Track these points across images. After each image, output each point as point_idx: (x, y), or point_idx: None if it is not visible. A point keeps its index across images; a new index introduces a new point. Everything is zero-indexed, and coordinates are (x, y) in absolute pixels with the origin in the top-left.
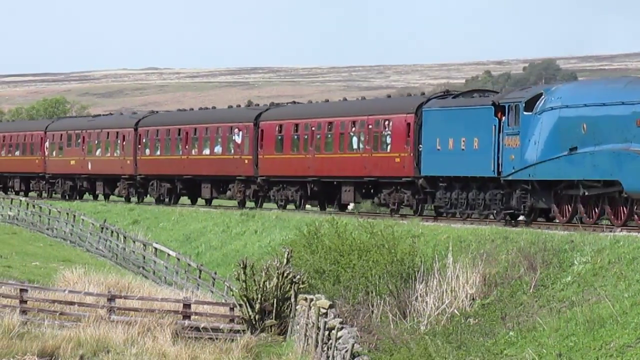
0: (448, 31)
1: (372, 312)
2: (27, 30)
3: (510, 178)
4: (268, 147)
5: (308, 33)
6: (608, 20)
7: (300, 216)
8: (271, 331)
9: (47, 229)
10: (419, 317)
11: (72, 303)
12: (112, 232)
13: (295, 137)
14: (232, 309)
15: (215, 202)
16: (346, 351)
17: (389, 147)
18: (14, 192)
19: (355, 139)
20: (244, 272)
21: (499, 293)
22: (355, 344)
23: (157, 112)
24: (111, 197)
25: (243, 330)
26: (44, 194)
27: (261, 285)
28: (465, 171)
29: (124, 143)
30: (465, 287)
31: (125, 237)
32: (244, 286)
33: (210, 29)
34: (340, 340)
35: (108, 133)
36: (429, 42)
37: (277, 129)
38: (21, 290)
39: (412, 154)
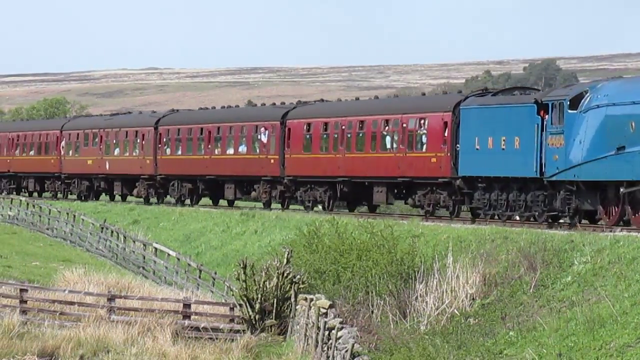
0: (448, 31)
1: (372, 312)
2: (27, 30)
3: (553, 179)
4: (295, 147)
5: (308, 33)
6: (610, 20)
7: (300, 216)
8: (271, 331)
9: (47, 229)
10: (419, 317)
11: (72, 303)
12: (112, 232)
13: (325, 136)
14: (232, 309)
15: (239, 203)
16: (346, 351)
17: (424, 146)
18: (27, 193)
19: (388, 138)
20: (244, 272)
21: (499, 293)
22: (355, 344)
23: (177, 110)
24: (128, 197)
25: (243, 330)
26: (59, 195)
27: (261, 285)
28: (505, 171)
29: (144, 142)
30: (465, 287)
31: (125, 237)
32: (244, 286)
33: (210, 29)
34: (340, 340)
35: (127, 132)
36: (429, 42)
37: (305, 127)
38: (21, 290)
39: (449, 154)
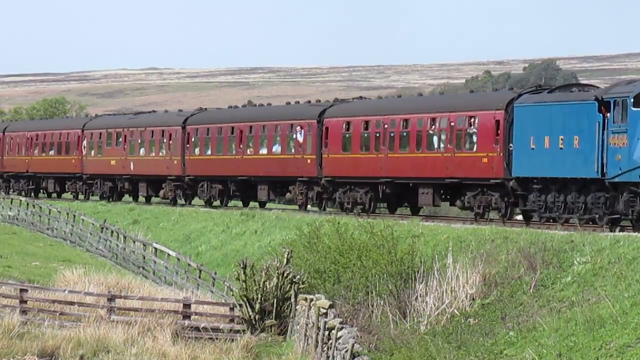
0: (448, 31)
1: (372, 312)
2: (27, 30)
3: (616, 180)
4: (334, 146)
5: (308, 33)
6: (610, 20)
7: (300, 216)
8: (271, 331)
9: (47, 229)
10: (419, 317)
11: (72, 303)
12: (112, 232)
13: (365, 135)
14: (232, 309)
15: (272, 205)
16: (346, 351)
17: (475, 146)
18: (46, 194)
19: (435, 138)
20: (244, 272)
21: (499, 293)
22: (355, 344)
23: (205, 109)
24: (154, 199)
25: (243, 330)
26: (81, 196)
27: (261, 285)
28: (563, 172)
29: (171, 142)
30: (465, 287)
31: (125, 237)
32: (244, 286)
33: (210, 29)
34: (340, 340)
35: (152, 131)
36: (429, 42)
37: (344, 126)
38: (21, 290)
39: (501, 154)
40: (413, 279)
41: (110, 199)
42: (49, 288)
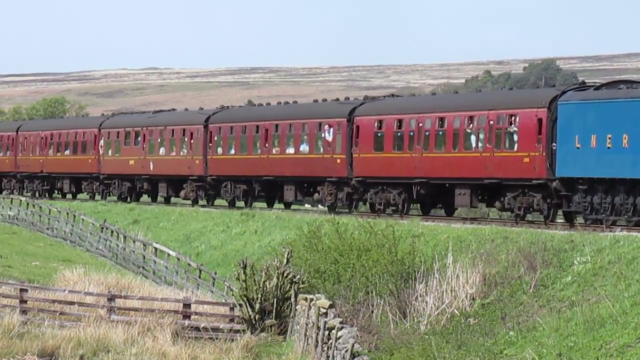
0: (448, 31)
1: (372, 311)
2: (27, 30)
3: None
4: (365, 145)
5: (308, 33)
6: (610, 20)
7: (300, 216)
8: (271, 331)
9: (47, 229)
10: (419, 316)
11: (72, 303)
12: (112, 232)
13: (399, 134)
14: (232, 309)
15: (294, 207)
16: (346, 351)
17: (515, 145)
18: (61, 194)
19: (473, 137)
20: (244, 272)
21: (499, 293)
22: (355, 344)
23: (227, 107)
24: (174, 199)
25: (243, 330)
26: (97, 196)
27: (261, 285)
28: (611, 172)
29: (192, 141)
30: (465, 287)
31: (125, 237)
32: (244, 286)
33: (210, 29)
34: (340, 340)
35: (173, 130)
36: (429, 42)
37: (375, 125)
38: (21, 290)
39: (544, 153)
40: (413, 278)
41: (129, 200)
42: (49, 288)
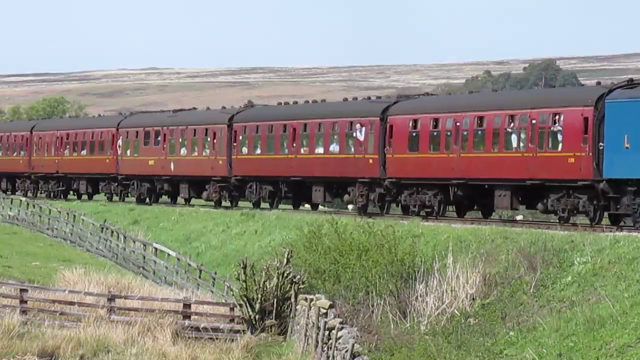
0: (448, 31)
1: (372, 312)
2: (27, 30)
3: None
4: (399, 145)
5: (308, 33)
6: (608, 20)
7: (300, 216)
8: (271, 331)
9: (47, 229)
10: (419, 317)
11: (72, 303)
12: (112, 232)
13: (435, 133)
14: (232, 309)
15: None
16: (346, 351)
17: (560, 145)
18: (77, 195)
19: (514, 136)
20: (244, 272)
21: (499, 293)
22: (355, 344)
23: (253, 105)
24: (195, 200)
25: (243, 330)
26: (115, 197)
27: (261, 285)
28: None
29: (215, 141)
30: (466, 287)
31: (125, 237)
32: (244, 286)
33: (210, 29)
34: (340, 340)
35: (195, 130)
36: (429, 42)
37: (410, 124)
38: (21, 290)
39: (590, 153)
40: (413, 278)
41: (148, 201)
42: (49, 288)
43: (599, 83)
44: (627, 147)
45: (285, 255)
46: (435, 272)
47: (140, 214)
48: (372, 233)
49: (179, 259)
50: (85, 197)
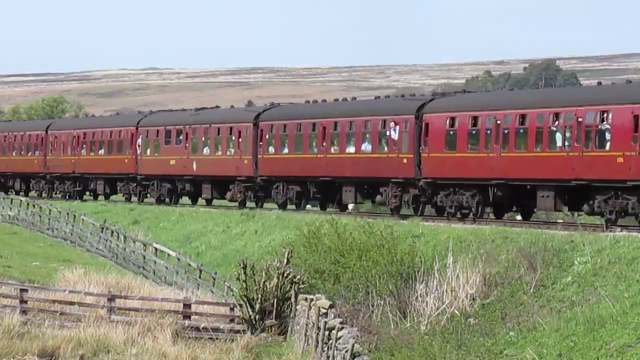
0: (448, 31)
1: (372, 312)
2: (27, 30)
3: None
4: (435, 144)
5: (308, 33)
6: (608, 20)
7: (300, 216)
8: (271, 331)
9: (48, 229)
10: (419, 317)
11: (72, 303)
12: (112, 232)
13: (474, 132)
14: (232, 309)
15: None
16: (346, 351)
17: (608, 144)
18: (93, 196)
19: (558, 135)
20: (244, 272)
21: (499, 293)
22: (355, 344)
23: (278, 104)
24: (218, 201)
25: (243, 330)
26: (133, 197)
27: (261, 285)
28: None
29: (240, 140)
30: (466, 287)
31: (125, 237)
32: (244, 286)
33: (210, 29)
34: (340, 340)
35: (219, 129)
36: (429, 42)
37: (447, 122)
38: (21, 290)
39: None
40: (413, 279)
41: (169, 201)
42: (49, 288)
43: (599, 83)
44: None
45: (286, 255)
46: (435, 272)
47: (140, 214)
48: (372, 233)
49: (179, 259)
50: (102, 197)
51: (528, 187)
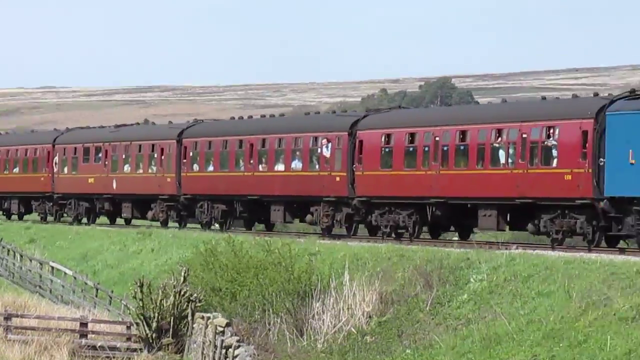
0: (344, 50)
1: (270, 330)
2: None
3: None
4: (370, 162)
5: (204, 51)
6: (503, 39)
7: (197, 234)
8: (168, 349)
9: None
10: (316, 335)
11: None
12: (8, 250)
13: (411, 149)
14: (129, 328)
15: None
16: None
17: (554, 160)
18: (6, 216)
19: (502, 152)
20: (141, 291)
21: (395, 311)
22: None
23: (202, 120)
24: (138, 221)
25: (140, 349)
26: (50, 217)
27: (158, 304)
28: None
29: (163, 157)
30: (362, 304)
31: (21, 256)
32: (141, 304)
33: (106, 47)
34: (237, 359)
35: (140, 146)
36: (325, 61)
37: (383, 139)
38: None
39: (590, 170)
40: (310, 296)
41: (87, 220)
42: None
43: (504, 100)
44: (632, 163)
45: (182, 274)
46: (332, 290)
47: (37, 233)
48: (270, 251)
49: (75, 278)
50: (14, 217)
51: (469, 205)
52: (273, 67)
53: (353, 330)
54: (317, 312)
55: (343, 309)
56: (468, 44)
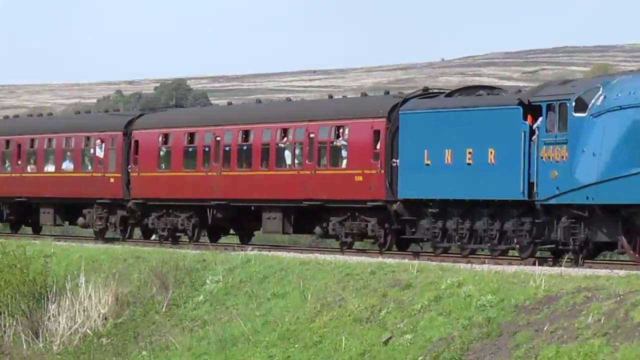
0: (80, 51)
1: (5, 332)
2: None
3: (552, 202)
4: (146, 163)
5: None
6: (238, 42)
7: None
8: None
9: None
10: (51, 337)
11: None
12: None
13: (190, 149)
14: None
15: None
16: None
17: (344, 161)
18: None
19: (287, 152)
20: None
21: (131, 312)
22: None
23: None
24: None
25: None
26: None
27: None
28: (472, 193)
29: None
30: (98, 306)
31: None
32: None
33: None
34: None
35: None
36: (61, 61)
37: (160, 139)
38: None
39: (382, 171)
40: (46, 299)
41: None
42: None
43: (229, 103)
44: (427, 164)
45: None
46: (67, 292)
47: None
48: (5, 253)
49: None
50: None
51: (252, 208)
52: (5, 69)
53: (89, 332)
54: (52, 314)
55: (79, 311)
56: (203, 45)
